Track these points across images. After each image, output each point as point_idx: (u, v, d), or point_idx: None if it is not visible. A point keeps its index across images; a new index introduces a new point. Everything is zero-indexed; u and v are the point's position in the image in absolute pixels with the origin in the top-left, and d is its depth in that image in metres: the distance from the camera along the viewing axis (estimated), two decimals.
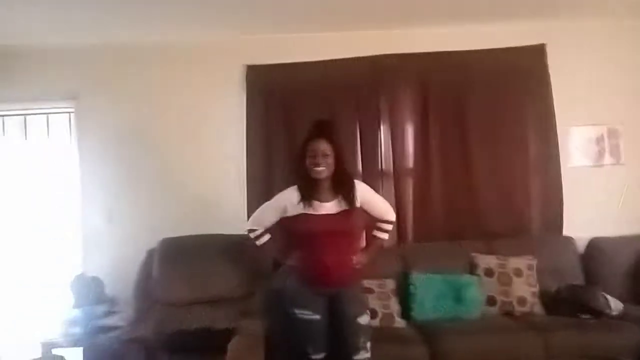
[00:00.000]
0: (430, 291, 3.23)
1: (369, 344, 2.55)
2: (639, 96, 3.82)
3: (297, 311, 2.56)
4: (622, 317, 3.07)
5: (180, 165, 3.77)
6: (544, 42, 3.79)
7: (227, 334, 2.79)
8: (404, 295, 3.28)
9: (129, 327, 3.02)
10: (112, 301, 3.51)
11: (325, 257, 2.50)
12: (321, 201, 2.56)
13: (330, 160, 2.54)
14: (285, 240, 2.72)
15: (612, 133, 3.83)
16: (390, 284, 3.30)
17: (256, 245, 2.75)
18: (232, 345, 2.67)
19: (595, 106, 3.82)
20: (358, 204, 2.61)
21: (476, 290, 3.23)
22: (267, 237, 2.73)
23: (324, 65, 3.75)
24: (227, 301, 3.26)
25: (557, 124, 3.78)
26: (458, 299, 3.20)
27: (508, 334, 2.96)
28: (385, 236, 2.79)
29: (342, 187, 2.58)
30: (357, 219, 2.62)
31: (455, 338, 2.90)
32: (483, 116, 3.77)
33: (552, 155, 3.79)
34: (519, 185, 3.77)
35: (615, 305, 3.14)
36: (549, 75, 3.79)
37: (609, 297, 3.17)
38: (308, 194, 2.56)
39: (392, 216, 2.78)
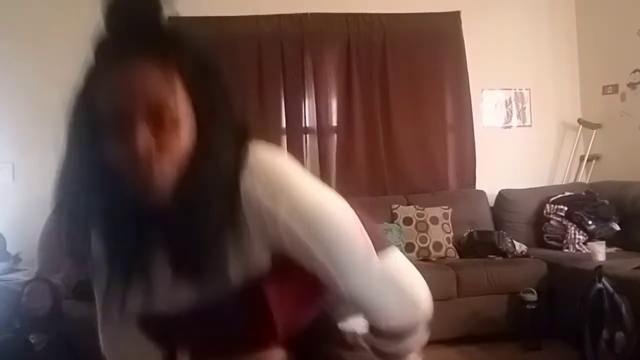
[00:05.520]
0: None
1: None
2: (543, 63, 4.14)
3: None
4: (526, 257, 3.30)
5: None
6: (459, 10, 4.00)
7: None
8: None
9: (35, 276, 2.82)
10: (15, 258, 3.27)
11: None
12: None
13: None
14: None
15: (519, 97, 4.13)
16: None
17: None
18: None
19: (504, 72, 4.09)
20: None
21: (395, 235, 3.33)
22: None
23: (249, 20, 3.73)
24: None
25: (471, 87, 4.00)
26: None
27: (424, 270, 3.06)
28: None
29: None
30: None
31: None
32: (403, 77, 3.90)
33: (466, 117, 4.01)
34: (437, 143, 3.95)
35: (520, 247, 3.38)
36: (463, 41, 4.01)
37: (514, 241, 3.41)
38: None
39: None
